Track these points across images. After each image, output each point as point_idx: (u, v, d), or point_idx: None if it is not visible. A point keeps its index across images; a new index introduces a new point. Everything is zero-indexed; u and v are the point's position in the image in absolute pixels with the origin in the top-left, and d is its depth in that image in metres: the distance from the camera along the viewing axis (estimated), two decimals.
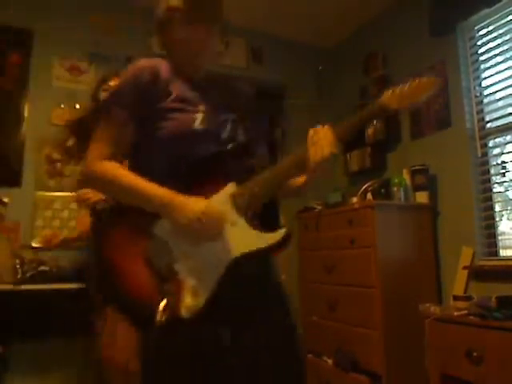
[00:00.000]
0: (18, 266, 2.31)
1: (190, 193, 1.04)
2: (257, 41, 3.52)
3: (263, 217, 1.10)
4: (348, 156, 3.40)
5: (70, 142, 2.05)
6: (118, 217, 1.14)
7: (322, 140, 1.07)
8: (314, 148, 1.07)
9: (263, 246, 1.03)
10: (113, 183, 1.08)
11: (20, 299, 2.27)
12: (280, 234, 1.03)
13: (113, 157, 1.11)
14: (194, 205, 1.01)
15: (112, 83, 1.98)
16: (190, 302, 1.02)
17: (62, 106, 2.84)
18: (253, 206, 1.07)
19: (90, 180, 1.15)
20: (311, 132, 1.10)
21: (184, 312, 1.01)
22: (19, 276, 2.29)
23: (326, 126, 1.10)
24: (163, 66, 1.17)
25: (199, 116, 1.11)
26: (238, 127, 1.18)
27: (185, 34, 1.17)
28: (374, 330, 2.38)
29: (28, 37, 2.85)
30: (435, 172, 2.77)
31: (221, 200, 1.06)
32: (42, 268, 2.35)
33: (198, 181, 1.08)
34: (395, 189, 2.76)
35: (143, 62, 1.15)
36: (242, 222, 1.05)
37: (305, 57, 3.75)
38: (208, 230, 1.02)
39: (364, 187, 2.85)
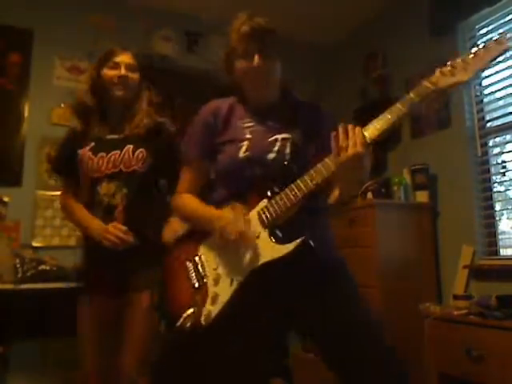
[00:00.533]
0: (18, 266, 2.31)
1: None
2: None
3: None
4: None
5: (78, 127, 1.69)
6: (183, 238, 1.34)
7: (349, 140, 1.02)
8: (338, 149, 1.03)
9: (276, 256, 1.10)
10: (185, 212, 1.34)
11: (20, 299, 2.27)
12: (295, 243, 1.09)
13: (192, 190, 1.34)
14: (222, 218, 1.16)
15: (118, 59, 1.66)
16: (207, 310, 1.15)
17: (63, 105, 2.84)
18: (280, 219, 1.14)
19: (174, 210, 1.39)
20: (339, 130, 1.04)
21: (203, 319, 1.14)
22: (19, 275, 2.28)
23: (356, 126, 1.03)
24: (226, 103, 1.34)
25: (244, 144, 1.24)
26: (286, 146, 1.23)
27: (240, 67, 1.27)
28: None
29: (28, 37, 2.86)
30: (435, 171, 2.77)
31: (251, 215, 1.17)
32: (42, 267, 2.35)
33: (245, 201, 1.20)
34: (395, 188, 2.76)
35: (209, 105, 1.35)
36: (264, 235, 1.15)
37: (304, 56, 3.74)
38: (225, 242, 1.14)
39: (364, 186, 2.85)
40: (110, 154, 1.61)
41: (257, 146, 1.23)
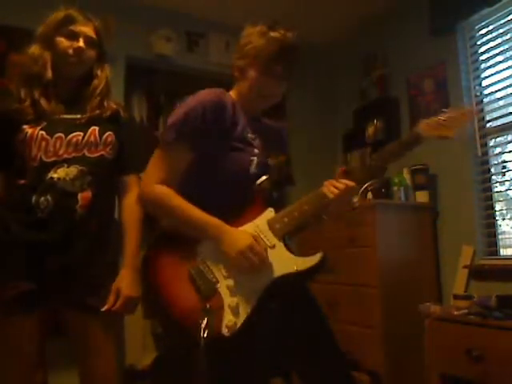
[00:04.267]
0: None
1: (237, 220, 1.17)
2: None
3: None
4: (348, 156, 3.40)
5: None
6: (164, 242, 1.23)
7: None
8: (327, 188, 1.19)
9: (301, 268, 1.12)
10: (168, 209, 1.18)
11: None
12: (317, 257, 1.13)
13: (166, 183, 1.18)
14: (241, 240, 1.11)
15: (77, 29, 1.42)
16: (230, 321, 1.09)
17: None
18: (291, 231, 1.17)
19: (144, 201, 1.24)
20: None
21: (225, 330, 1.09)
22: None
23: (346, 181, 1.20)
24: (229, 101, 1.25)
25: (255, 160, 1.23)
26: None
27: (257, 81, 1.24)
28: (374, 329, 2.37)
29: (29, 37, 2.85)
30: (435, 171, 2.76)
31: (260, 225, 1.16)
32: None
33: (244, 211, 1.19)
34: (395, 188, 2.76)
35: (214, 93, 1.22)
36: (279, 246, 1.15)
37: (304, 57, 3.74)
38: (250, 266, 1.11)
39: (364, 187, 2.84)
40: (70, 136, 1.33)
41: (261, 164, 1.26)
